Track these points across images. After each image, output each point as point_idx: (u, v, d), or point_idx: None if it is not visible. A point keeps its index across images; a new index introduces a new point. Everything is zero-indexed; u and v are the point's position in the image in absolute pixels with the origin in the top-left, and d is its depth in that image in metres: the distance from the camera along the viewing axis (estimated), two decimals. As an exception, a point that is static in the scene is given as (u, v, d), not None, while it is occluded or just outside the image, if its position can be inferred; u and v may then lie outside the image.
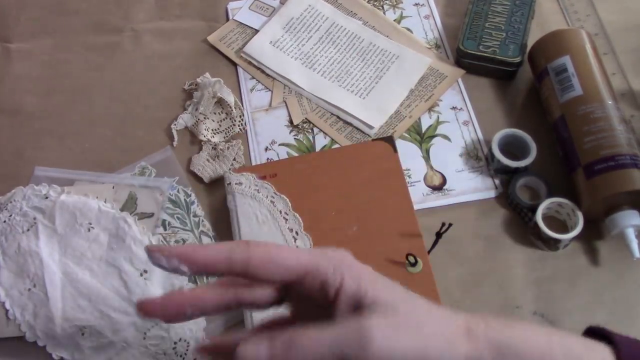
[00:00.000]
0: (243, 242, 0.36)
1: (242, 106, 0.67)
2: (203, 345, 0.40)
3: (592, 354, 0.37)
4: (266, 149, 0.65)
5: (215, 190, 0.62)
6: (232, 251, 0.35)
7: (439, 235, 0.56)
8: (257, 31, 0.72)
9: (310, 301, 0.37)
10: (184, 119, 0.66)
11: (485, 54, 0.66)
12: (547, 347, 0.36)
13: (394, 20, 0.72)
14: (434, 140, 0.64)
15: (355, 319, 0.34)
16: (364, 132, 0.65)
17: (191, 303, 0.36)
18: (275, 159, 0.64)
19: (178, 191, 0.61)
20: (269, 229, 0.57)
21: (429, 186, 0.61)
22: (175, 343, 0.54)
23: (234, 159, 0.63)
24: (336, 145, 0.64)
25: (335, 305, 0.35)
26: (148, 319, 0.36)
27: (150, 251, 0.35)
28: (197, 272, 0.36)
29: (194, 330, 0.54)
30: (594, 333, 0.39)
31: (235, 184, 0.59)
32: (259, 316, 0.52)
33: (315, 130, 0.65)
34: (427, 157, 0.63)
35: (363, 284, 0.35)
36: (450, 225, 0.56)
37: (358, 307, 0.35)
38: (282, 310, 0.40)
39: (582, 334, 0.40)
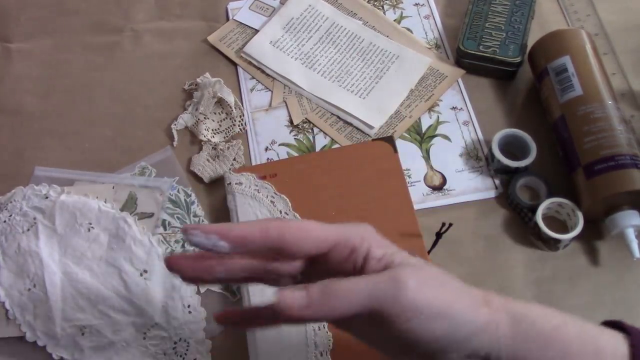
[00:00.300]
0: (276, 218, 0.37)
1: (242, 106, 0.67)
2: (223, 312, 0.42)
3: (605, 337, 0.38)
4: (266, 149, 0.65)
5: (215, 190, 0.62)
6: (267, 224, 0.36)
7: (439, 235, 0.56)
8: (257, 31, 0.72)
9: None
10: (184, 119, 0.66)
11: (485, 54, 0.66)
12: (562, 322, 0.37)
13: (394, 20, 0.72)
14: (434, 140, 0.64)
15: (388, 270, 0.36)
16: (364, 132, 0.65)
17: (221, 262, 0.37)
18: (276, 159, 0.64)
19: (178, 191, 0.61)
20: (269, 229, 0.57)
21: (429, 186, 0.61)
22: (175, 343, 0.54)
23: (234, 159, 0.63)
24: (336, 145, 0.64)
25: (363, 271, 0.37)
26: (174, 273, 0.38)
27: (187, 230, 0.36)
28: (235, 247, 0.36)
29: (194, 330, 0.54)
30: (609, 326, 0.40)
31: (236, 184, 0.59)
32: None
33: (315, 130, 0.66)
34: (427, 157, 0.63)
35: (389, 250, 0.37)
36: (450, 225, 0.56)
37: (385, 266, 0.37)
38: None
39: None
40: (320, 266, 0.39)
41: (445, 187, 0.61)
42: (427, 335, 0.35)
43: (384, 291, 0.34)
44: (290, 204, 0.58)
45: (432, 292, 0.35)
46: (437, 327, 0.34)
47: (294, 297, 0.34)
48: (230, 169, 0.62)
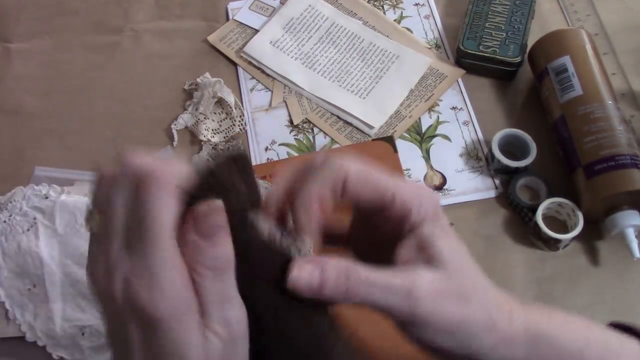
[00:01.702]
0: (337, 158, 0.34)
1: (242, 106, 0.67)
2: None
3: (626, 349, 0.37)
4: (266, 148, 0.65)
5: (215, 190, 0.62)
6: (330, 170, 0.34)
7: None
8: (257, 31, 0.72)
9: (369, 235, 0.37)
10: (184, 119, 0.66)
11: (486, 54, 0.66)
12: (584, 343, 0.36)
13: (394, 20, 0.72)
14: (434, 140, 0.64)
15: (411, 275, 0.33)
16: (364, 132, 0.65)
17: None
18: (276, 159, 0.64)
19: (178, 191, 0.61)
20: (269, 229, 0.57)
21: (429, 186, 0.61)
22: None
23: (234, 159, 0.63)
24: (336, 145, 0.64)
25: (401, 242, 0.35)
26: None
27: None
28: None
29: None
30: (619, 328, 0.39)
31: (235, 184, 0.59)
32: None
33: (315, 130, 0.65)
34: (427, 157, 0.63)
35: (436, 232, 0.35)
36: (450, 225, 0.55)
37: (421, 250, 0.34)
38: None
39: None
40: (366, 222, 0.36)
41: (445, 187, 0.61)
42: (434, 345, 0.34)
43: (396, 300, 0.32)
44: (290, 204, 0.57)
45: (446, 308, 0.33)
46: (445, 341, 0.34)
47: (311, 274, 0.32)
48: (230, 169, 0.62)
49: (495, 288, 0.37)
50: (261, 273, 0.32)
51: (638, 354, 0.37)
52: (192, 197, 0.31)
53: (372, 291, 0.32)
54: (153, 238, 0.29)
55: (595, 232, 0.58)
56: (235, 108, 0.66)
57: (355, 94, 0.67)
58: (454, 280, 0.34)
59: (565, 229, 0.57)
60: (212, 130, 0.65)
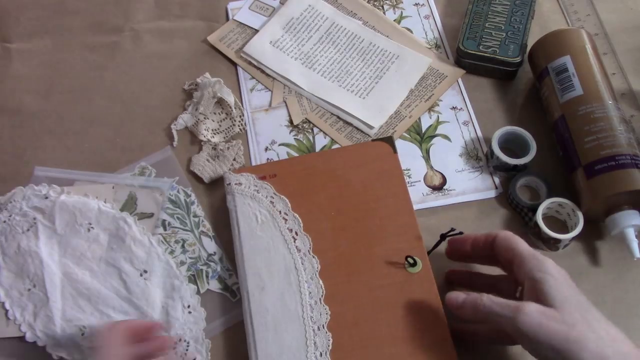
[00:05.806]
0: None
1: (242, 106, 0.67)
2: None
3: None
4: (266, 149, 0.65)
5: (215, 190, 0.62)
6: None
7: (443, 237, 0.55)
8: (257, 31, 0.72)
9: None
10: (184, 119, 0.66)
11: (485, 54, 0.66)
12: None
13: (394, 20, 0.72)
14: (434, 140, 0.64)
15: (522, 303, 0.45)
16: (364, 132, 0.65)
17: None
18: (275, 159, 0.64)
19: (178, 191, 0.61)
20: (269, 229, 0.57)
21: (429, 186, 0.61)
22: (175, 343, 0.54)
23: (234, 159, 0.63)
24: (336, 145, 0.64)
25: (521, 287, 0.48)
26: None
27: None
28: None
29: (194, 330, 0.54)
30: None
31: (235, 184, 0.59)
32: (258, 319, 0.53)
33: (315, 130, 0.65)
34: (427, 157, 0.63)
35: (546, 277, 0.45)
36: (460, 233, 0.54)
37: (532, 290, 0.46)
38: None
39: None
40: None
41: (445, 187, 0.61)
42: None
43: (505, 314, 0.45)
44: (289, 205, 0.57)
45: (550, 324, 0.42)
46: (550, 356, 0.43)
47: (457, 297, 0.48)
48: (230, 169, 0.62)
49: (614, 327, 0.44)
50: None
51: None
52: None
53: (494, 307, 0.46)
54: None
55: (595, 232, 0.58)
56: (235, 108, 0.66)
57: (355, 94, 0.67)
58: (560, 310, 0.43)
59: (565, 229, 0.57)
60: (212, 130, 0.65)
